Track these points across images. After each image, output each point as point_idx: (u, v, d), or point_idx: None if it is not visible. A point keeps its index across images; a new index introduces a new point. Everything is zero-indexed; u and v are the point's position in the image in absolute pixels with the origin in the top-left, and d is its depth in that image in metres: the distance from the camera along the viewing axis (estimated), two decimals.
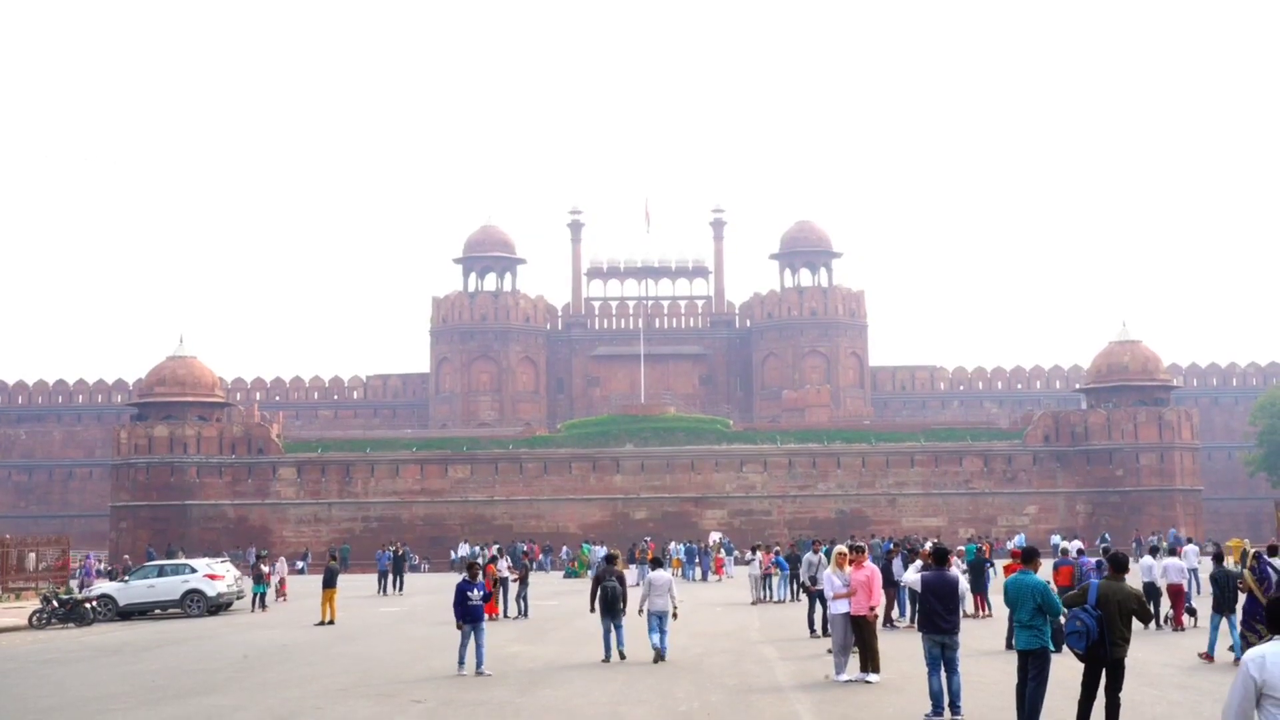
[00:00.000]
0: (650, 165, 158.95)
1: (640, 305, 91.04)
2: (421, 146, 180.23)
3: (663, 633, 19.10)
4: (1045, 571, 16.01)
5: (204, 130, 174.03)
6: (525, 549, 52.83)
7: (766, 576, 33.60)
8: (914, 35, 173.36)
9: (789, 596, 33.12)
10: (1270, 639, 6.37)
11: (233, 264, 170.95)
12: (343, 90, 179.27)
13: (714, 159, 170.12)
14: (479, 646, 17.94)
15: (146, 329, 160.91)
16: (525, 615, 28.87)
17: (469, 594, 18.05)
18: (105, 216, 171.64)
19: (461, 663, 17.79)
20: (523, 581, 29.82)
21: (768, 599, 32.83)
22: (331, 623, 27.78)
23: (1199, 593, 31.61)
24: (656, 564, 20.58)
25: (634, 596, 20.36)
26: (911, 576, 13.96)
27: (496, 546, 38.78)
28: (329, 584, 28.75)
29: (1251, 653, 6.38)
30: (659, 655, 18.86)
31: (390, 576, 40.46)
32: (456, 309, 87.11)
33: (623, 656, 19.10)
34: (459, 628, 17.97)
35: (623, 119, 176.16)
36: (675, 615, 19.33)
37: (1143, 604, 11.83)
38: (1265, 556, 18.97)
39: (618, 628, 19.23)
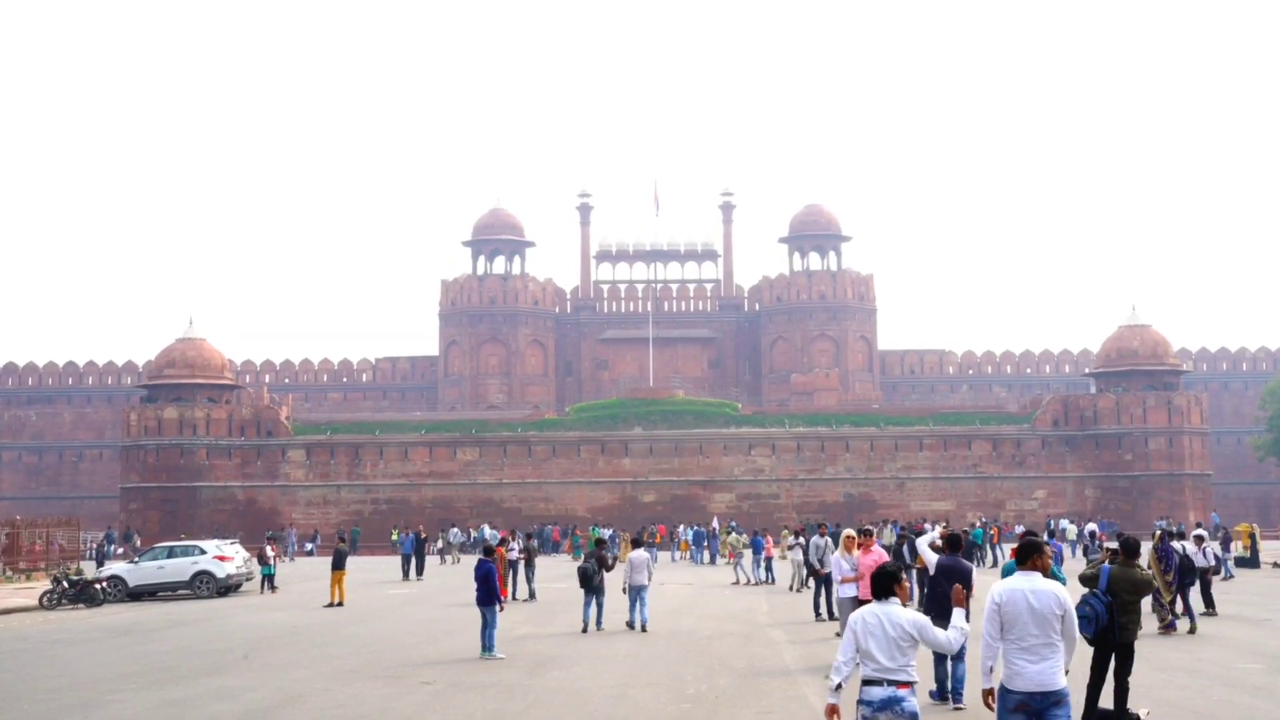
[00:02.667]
0: (659, 148, 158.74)
1: (649, 288, 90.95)
2: (431, 129, 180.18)
3: (642, 604, 21.21)
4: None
5: (214, 115, 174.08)
6: (533, 532, 52.96)
7: (769, 559, 34.60)
8: (923, 19, 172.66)
9: (758, 579, 34.01)
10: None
11: (243, 247, 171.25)
12: (352, 74, 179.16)
13: (723, 142, 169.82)
14: (490, 628, 18.02)
15: (156, 311, 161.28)
16: (532, 598, 28.91)
17: (491, 576, 18.13)
18: (115, 199, 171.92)
19: (487, 647, 17.83)
20: (529, 564, 29.83)
21: (757, 581, 33.83)
22: (340, 604, 27.85)
23: (1224, 576, 31.68)
24: (637, 544, 23.34)
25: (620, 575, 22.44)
26: (929, 554, 13.85)
27: (511, 530, 38.84)
28: (338, 566, 28.80)
29: (853, 615, 7.94)
30: (635, 626, 21.00)
31: (414, 560, 39.22)
32: (465, 292, 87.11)
33: (599, 627, 21.11)
34: (485, 609, 18.01)
35: (632, 102, 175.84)
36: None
37: (1149, 586, 11.85)
38: (1168, 538, 20.15)
39: (599, 604, 21.35)
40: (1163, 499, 64.91)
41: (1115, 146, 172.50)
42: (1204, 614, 22.41)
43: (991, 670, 8.02)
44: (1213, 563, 24.08)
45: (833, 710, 7.77)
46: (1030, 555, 8.16)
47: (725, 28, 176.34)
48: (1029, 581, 7.98)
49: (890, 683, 7.70)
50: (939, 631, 7.95)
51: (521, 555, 30.23)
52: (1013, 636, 7.90)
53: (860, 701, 7.79)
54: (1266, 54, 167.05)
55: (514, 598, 28.67)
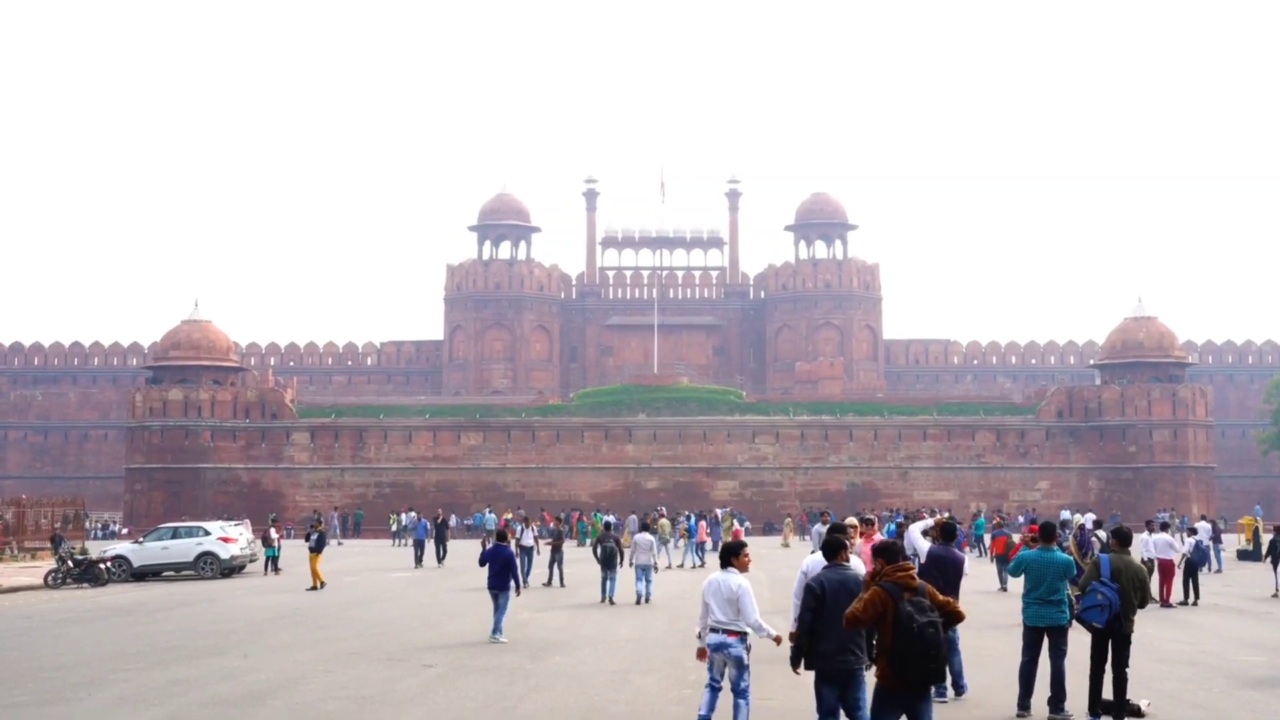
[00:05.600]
0: (666, 135, 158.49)
1: (654, 275, 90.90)
2: (438, 114, 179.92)
3: (648, 581, 24.16)
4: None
5: (221, 100, 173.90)
6: (562, 516, 52.88)
7: (701, 545, 37.63)
8: (930, 9, 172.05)
9: (692, 563, 36.59)
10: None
11: (248, 229, 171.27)
12: (360, 59, 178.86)
13: (730, 130, 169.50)
14: (501, 613, 18.10)
15: (162, 292, 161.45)
16: (562, 584, 28.21)
17: (507, 560, 18.25)
18: (122, 180, 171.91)
19: (496, 629, 17.94)
20: (556, 549, 29.16)
21: (694, 565, 36.31)
22: (322, 587, 27.59)
23: (1213, 570, 31.69)
24: (644, 527, 25.95)
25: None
26: (921, 543, 13.79)
27: (525, 517, 38.74)
28: (317, 549, 28.63)
29: (706, 580, 10.26)
30: (642, 599, 23.65)
31: (434, 546, 37.19)
32: (471, 276, 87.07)
33: (612, 602, 23.57)
34: (501, 593, 18.10)
35: (639, 89, 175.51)
36: (657, 569, 25.30)
37: (1146, 580, 11.88)
38: (1088, 528, 21.80)
39: (612, 579, 24.11)
40: (1166, 491, 64.88)
41: (1122, 137, 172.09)
42: (1167, 606, 22.68)
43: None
44: (1149, 554, 23.94)
45: (702, 653, 10.23)
46: (838, 551, 9.70)
47: (733, 15, 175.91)
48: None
49: (724, 631, 9.98)
50: (751, 604, 9.95)
51: (549, 542, 29.77)
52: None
53: (706, 645, 10.16)
54: (1269, 44, 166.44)
55: (525, 585, 27.93)
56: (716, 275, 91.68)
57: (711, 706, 10.23)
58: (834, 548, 9.43)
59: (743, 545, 10.36)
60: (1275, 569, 25.28)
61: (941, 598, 8.65)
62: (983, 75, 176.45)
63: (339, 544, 52.21)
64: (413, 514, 53.96)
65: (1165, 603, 22.90)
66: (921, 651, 8.19)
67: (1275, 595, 24.84)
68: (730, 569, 10.12)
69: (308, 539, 29.89)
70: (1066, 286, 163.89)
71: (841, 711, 9.10)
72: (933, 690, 12.78)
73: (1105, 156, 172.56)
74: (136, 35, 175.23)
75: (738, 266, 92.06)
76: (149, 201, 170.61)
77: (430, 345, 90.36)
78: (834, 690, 9.10)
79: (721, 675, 10.24)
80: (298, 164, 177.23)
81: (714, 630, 10.03)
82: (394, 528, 54.43)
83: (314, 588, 27.67)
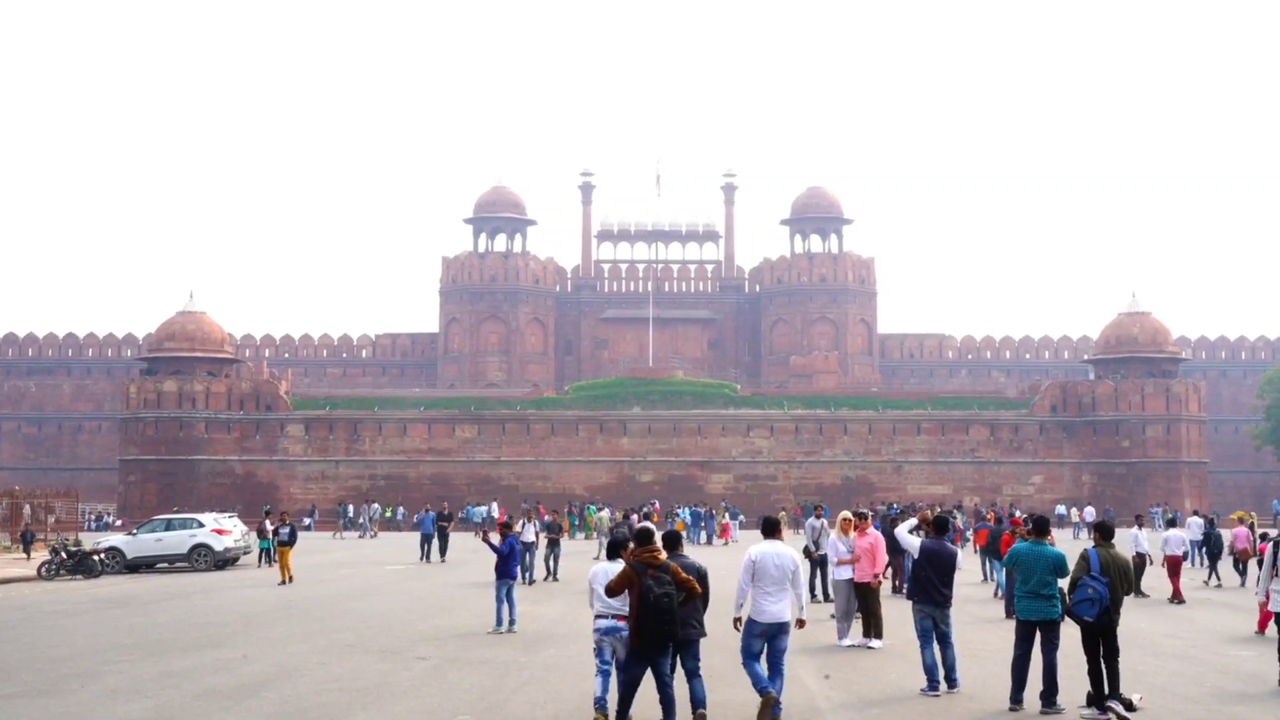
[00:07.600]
0: (662, 128, 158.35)
1: (650, 268, 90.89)
2: (434, 106, 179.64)
3: None
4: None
5: (218, 90, 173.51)
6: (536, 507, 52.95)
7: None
8: (927, 3, 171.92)
9: None
10: None
11: (244, 220, 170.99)
12: (356, 51, 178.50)
13: (726, 123, 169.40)
14: (512, 605, 18.23)
15: (157, 284, 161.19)
16: (556, 578, 28.20)
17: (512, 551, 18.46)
18: (118, 171, 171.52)
19: (500, 622, 18.04)
20: (553, 544, 29.11)
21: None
22: (287, 582, 27.26)
23: (1201, 564, 31.79)
24: (645, 517, 27.47)
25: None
26: (910, 540, 13.74)
27: (528, 511, 38.51)
28: (288, 543, 28.40)
29: (594, 569, 11.12)
30: None
31: (435, 541, 35.86)
32: (466, 269, 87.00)
33: None
34: (508, 582, 18.31)
35: (635, 81, 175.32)
36: None
37: (1131, 572, 11.97)
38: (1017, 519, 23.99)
39: None
40: (1159, 486, 65.02)
41: (1117, 132, 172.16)
42: (1178, 602, 22.82)
43: (740, 606, 11.26)
44: (1143, 549, 24.67)
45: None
46: (774, 529, 11.42)
47: (730, 9, 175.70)
48: (773, 547, 11.19)
49: (612, 616, 10.74)
50: (601, 587, 10.72)
51: (548, 536, 29.61)
52: (760, 584, 11.05)
53: (594, 630, 10.89)
54: (1267, 43, 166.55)
55: (528, 580, 27.79)
56: (712, 269, 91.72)
57: (605, 689, 10.76)
58: (669, 539, 10.76)
59: (628, 540, 11.36)
60: (1208, 560, 27.29)
61: (683, 576, 10.39)
62: (979, 71, 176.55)
63: (372, 536, 52.06)
64: (375, 506, 55.56)
65: (1179, 599, 22.85)
66: (656, 616, 10.11)
67: (1217, 585, 26.17)
68: (617, 560, 11.07)
69: (275, 534, 29.71)
70: (1061, 281, 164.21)
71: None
72: (925, 687, 12.89)
73: (1100, 152, 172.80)
74: (133, 27, 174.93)
75: (733, 260, 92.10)
76: (144, 192, 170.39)
77: (425, 338, 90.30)
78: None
79: (612, 658, 10.80)
80: (293, 156, 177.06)
81: (602, 616, 10.78)
82: (362, 520, 54.47)
83: (283, 582, 27.20)
